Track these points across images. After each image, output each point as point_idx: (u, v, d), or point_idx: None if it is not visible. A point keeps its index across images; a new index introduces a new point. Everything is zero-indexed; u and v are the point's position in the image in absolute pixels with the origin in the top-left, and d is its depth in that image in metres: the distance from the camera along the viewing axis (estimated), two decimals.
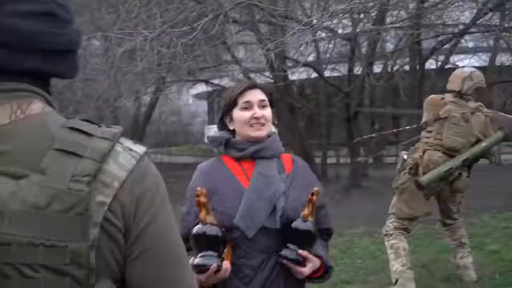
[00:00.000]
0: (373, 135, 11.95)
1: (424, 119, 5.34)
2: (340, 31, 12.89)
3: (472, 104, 5.25)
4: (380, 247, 6.94)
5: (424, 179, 5.02)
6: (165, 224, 1.08)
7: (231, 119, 2.39)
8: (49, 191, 0.95)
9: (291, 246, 2.23)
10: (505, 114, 5.51)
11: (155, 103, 20.50)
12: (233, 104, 2.36)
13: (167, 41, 10.52)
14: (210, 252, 2.15)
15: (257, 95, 2.36)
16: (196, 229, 2.18)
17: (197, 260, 2.15)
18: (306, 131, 16.19)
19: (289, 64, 13.42)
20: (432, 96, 5.49)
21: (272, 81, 13.52)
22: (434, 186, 5.13)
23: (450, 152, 5.11)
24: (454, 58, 15.69)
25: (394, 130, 10.25)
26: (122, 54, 10.86)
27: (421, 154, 5.16)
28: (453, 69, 17.06)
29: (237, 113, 2.36)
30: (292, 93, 14.87)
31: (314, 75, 14.70)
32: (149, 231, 1.04)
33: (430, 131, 5.22)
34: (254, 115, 2.32)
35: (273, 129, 2.46)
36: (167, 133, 27.97)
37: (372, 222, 8.29)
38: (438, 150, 5.13)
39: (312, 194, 2.26)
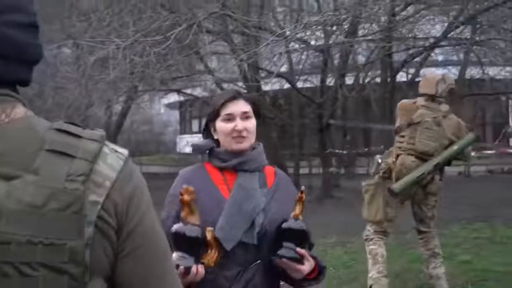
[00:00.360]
0: (345, 152, 12.06)
1: (397, 124, 5.35)
2: (313, 42, 13.00)
3: (444, 107, 5.29)
4: (353, 257, 6.98)
5: (396, 186, 5.04)
6: (153, 224, 1.11)
7: (215, 129, 2.36)
8: (45, 191, 0.96)
9: (287, 244, 2.18)
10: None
11: (127, 112, 20.36)
12: (216, 114, 2.34)
13: (140, 50, 10.47)
14: (185, 255, 2.10)
15: (240, 107, 2.32)
16: (176, 227, 2.12)
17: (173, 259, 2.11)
18: (279, 142, 16.21)
19: (262, 75, 13.46)
20: (404, 101, 5.54)
21: (245, 91, 13.53)
22: (407, 191, 5.16)
23: (423, 156, 5.14)
24: (424, 71, 15.91)
25: (365, 149, 10.35)
26: (94, 63, 10.77)
27: (394, 159, 5.18)
28: None
29: (219, 124, 2.33)
30: (265, 103, 14.90)
31: (287, 85, 14.78)
32: (139, 230, 1.07)
33: (403, 136, 5.23)
34: (236, 127, 2.29)
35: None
36: (138, 142, 27.73)
37: (344, 232, 8.33)
38: (411, 155, 5.14)
39: (301, 192, 2.25)
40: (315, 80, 15.10)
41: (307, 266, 2.20)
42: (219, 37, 12.36)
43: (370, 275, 5.12)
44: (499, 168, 16.38)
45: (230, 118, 2.30)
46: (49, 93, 12.40)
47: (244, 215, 2.23)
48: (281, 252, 2.18)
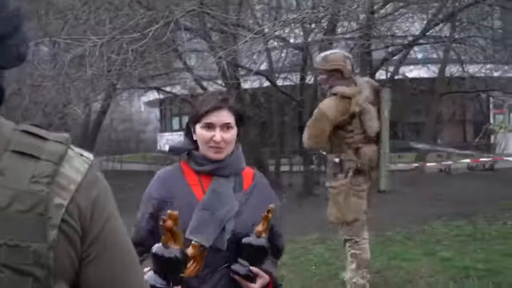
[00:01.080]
0: (324, 153, 11.98)
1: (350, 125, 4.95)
2: (291, 40, 12.96)
3: (359, 80, 5.11)
4: (334, 254, 6.95)
5: (382, 186, 4.95)
6: (118, 228, 1.09)
7: (195, 131, 2.36)
8: (9, 192, 0.95)
9: (242, 261, 2.22)
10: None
11: (106, 110, 20.16)
12: (197, 119, 2.33)
13: (117, 48, 10.34)
14: (160, 281, 2.07)
15: (222, 118, 2.31)
16: (155, 249, 2.08)
17: (148, 278, 2.06)
18: (259, 139, 16.17)
19: (242, 72, 13.39)
20: (334, 103, 4.98)
21: (224, 89, 13.46)
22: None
23: (375, 138, 5.00)
24: (404, 69, 15.95)
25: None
26: (71, 60, 10.62)
27: (354, 155, 4.93)
28: (403, 80, 17.28)
29: (199, 131, 2.33)
30: (245, 101, 14.83)
31: (266, 83, 14.72)
32: (104, 235, 1.05)
33: (351, 131, 4.95)
34: (214, 138, 2.29)
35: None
36: (118, 141, 27.50)
37: (325, 229, 8.29)
38: (367, 143, 4.96)
39: (268, 212, 2.25)
40: (294, 78, 15.06)
41: (257, 285, 2.24)
42: (197, 35, 12.26)
43: (353, 280, 4.94)
44: (479, 165, 16.47)
45: (210, 126, 2.30)
46: (26, 91, 12.22)
47: (215, 220, 2.23)
48: (235, 267, 2.22)
